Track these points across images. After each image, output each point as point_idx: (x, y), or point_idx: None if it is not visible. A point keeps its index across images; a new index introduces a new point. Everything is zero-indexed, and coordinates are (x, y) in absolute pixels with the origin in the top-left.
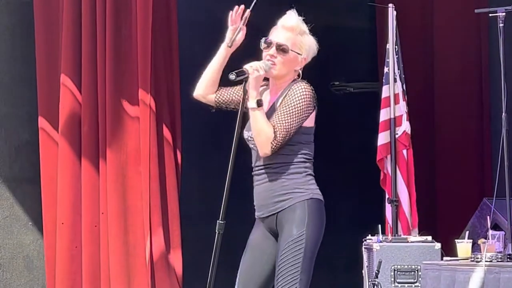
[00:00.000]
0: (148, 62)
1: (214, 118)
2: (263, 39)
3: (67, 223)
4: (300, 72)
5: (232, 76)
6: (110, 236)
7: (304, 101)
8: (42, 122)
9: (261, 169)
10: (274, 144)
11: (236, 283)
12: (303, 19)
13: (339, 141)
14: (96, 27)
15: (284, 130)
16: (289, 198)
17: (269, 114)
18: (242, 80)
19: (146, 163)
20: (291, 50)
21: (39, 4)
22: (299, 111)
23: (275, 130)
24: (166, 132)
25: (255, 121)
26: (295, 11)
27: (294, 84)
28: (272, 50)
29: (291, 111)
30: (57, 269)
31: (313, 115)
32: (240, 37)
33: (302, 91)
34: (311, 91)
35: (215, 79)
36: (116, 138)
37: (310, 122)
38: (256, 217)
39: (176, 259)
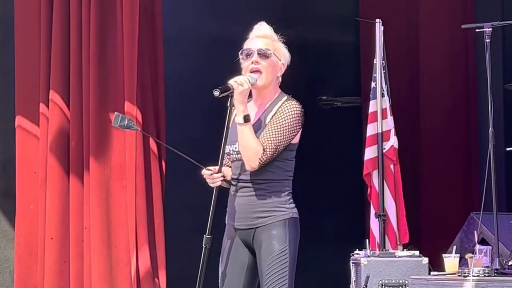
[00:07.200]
0: (134, 76)
1: (198, 132)
2: (241, 52)
3: (56, 238)
4: (280, 79)
5: (216, 93)
6: (93, 251)
7: (294, 119)
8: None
9: (245, 182)
10: (263, 160)
11: None
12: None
13: (325, 156)
14: (81, 41)
15: (274, 146)
16: (270, 216)
17: (256, 127)
18: (227, 96)
19: (132, 177)
20: (274, 53)
21: (20, 17)
22: (289, 128)
23: (264, 146)
24: (152, 145)
25: (242, 137)
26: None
27: (285, 102)
28: (255, 57)
29: (281, 128)
30: (46, 284)
31: (300, 132)
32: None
33: (293, 109)
34: (301, 109)
35: None
36: (101, 152)
37: (296, 139)
38: (228, 223)
39: (161, 274)
